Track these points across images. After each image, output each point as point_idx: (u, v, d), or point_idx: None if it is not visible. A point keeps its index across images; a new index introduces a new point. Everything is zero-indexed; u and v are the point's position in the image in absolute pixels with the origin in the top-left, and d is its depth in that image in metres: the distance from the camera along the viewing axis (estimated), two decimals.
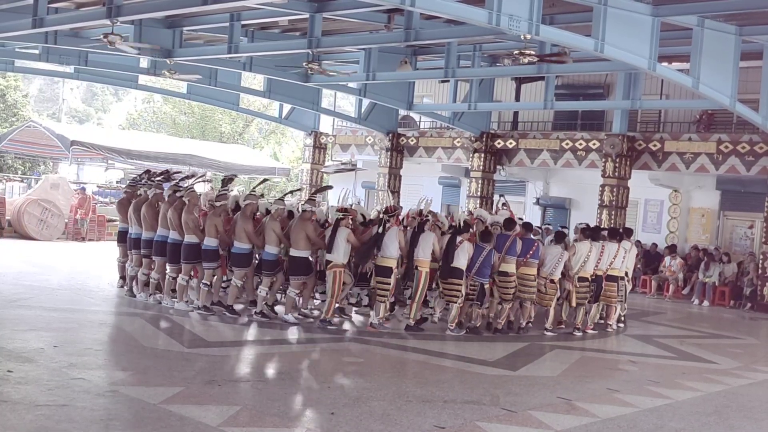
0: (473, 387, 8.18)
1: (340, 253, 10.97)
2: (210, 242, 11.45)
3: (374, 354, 9.87)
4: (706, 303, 18.76)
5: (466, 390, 8.00)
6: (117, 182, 33.59)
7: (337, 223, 11.09)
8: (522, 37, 10.56)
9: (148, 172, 13.83)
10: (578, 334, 12.36)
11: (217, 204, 11.90)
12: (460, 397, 7.60)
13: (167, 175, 13.54)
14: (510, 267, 11.72)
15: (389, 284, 11.18)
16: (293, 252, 11.21)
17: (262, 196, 13.19)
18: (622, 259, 12.84)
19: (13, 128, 30.07)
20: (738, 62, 13.71)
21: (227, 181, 12.91)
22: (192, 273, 11.88)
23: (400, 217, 12.24)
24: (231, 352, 9.37)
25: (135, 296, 12.32)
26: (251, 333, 10.61)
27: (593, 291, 12.56)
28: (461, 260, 11.24)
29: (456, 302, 11.32)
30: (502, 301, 11.93)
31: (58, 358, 7.86)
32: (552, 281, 12.08)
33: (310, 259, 11.56)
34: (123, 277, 13.18)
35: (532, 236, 12.26)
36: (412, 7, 10.29)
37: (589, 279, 12.45)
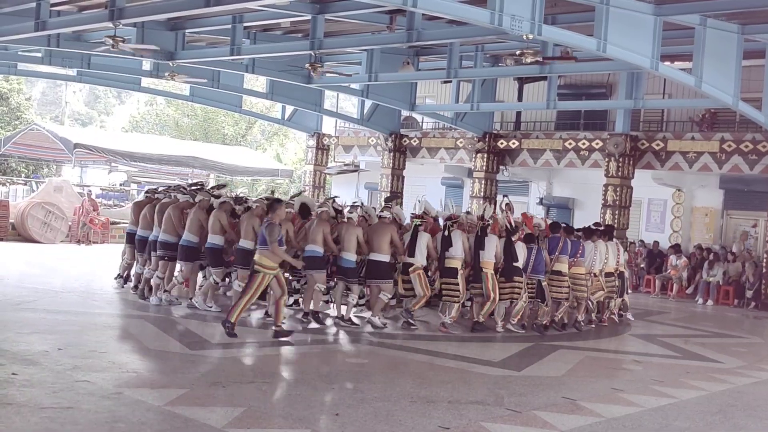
0: (477, 387, 8.18)
1: (423, 256, 11.52)
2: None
3: (378, 355, 9.87)
4: (710, 302, 18.73)
5: (470, 390, 7.99)
6: (120, 185, 33.67)
7: (417, 229, 11.60)
8: (524, 37, 10.56)
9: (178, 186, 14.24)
10: (628, 319, 13.39)
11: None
12: (465, 398, 7.60)
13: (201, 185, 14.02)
14: (563, 267, 12.34)
15: (458, 285, 11.56)
16: (375, 256, 11.33)
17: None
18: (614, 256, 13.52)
19: (16, 131, 30.11)
20: (740, 61, 13.71)
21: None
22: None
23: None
24: (235, 354, 9.38)
25: (147, 299, 12.22)
26: (254, 334, 10.60)
27: (618, 286, 13.54)
28: (519, 260, 11.88)
29: (518, 300, 11.81)
30: (556, 299, 12.37)
31: (62, 360, 7.86)
32: (595, 275, 12.90)
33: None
34: (123, 276, 13.25)
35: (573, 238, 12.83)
36: (414, 8, 10.28)
37: (615, 274, 13.45)
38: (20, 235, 21.50)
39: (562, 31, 11.65)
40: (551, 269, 12.28)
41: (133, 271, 13.40)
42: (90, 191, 24.55)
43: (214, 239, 11.61)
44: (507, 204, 13.52)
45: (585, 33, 11.59)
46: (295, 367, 8.98)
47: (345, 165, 26.70)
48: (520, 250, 11.90)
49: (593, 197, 20.51)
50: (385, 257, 11.40)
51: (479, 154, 22.06)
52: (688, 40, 13.39)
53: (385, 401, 7.20)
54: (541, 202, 23.37)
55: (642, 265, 20.42)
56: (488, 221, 12.11)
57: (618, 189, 19.22)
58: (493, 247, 11.70)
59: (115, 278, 14.00)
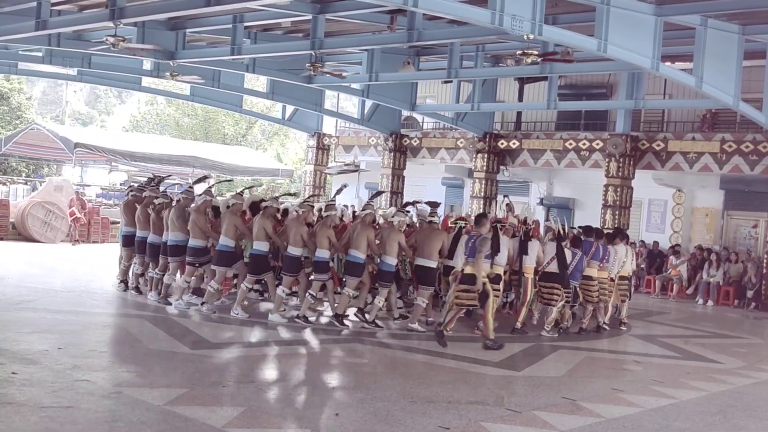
0: (477, 387, 8.17)
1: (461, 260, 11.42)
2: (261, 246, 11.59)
3: (378, 355, 9.87)
4: (710, 303, 18.74)
5: (470, 390, 7.99)
6: (120, 184, 33.66)
7: (460, 232, 11.45)
8: (525, 37, 10.56)
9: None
10: (624, 329, 13.23)
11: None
12: (465, 398, 7.59)
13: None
14: (593, 271, 12.38)
15: (500, 290, 11.47)
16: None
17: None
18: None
19: (17, 131, 30.13)
20: (741, 61, 13.70)
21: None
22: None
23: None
24: (235, 354, 9.38)
25: (170, 303, 12.10)
26: (255, 334, 10.61)
27: (628, 289, 13.59)
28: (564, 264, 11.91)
29: (556, 305, 11.83)
30: (585, 302, 12.47)
31: (62, 360, 7.86)
32: (612, 279, 12.91)
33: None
34: (125, 281, 13.20)
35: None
36: (414, 8, 10.28)
37: (628, 277, 13.49)
38: (20, 234, 21.51)
39: (563, 31, 11.65)
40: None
41: (131, 272, 13.34)
42: (77, 189, 24.40)
43: (260, 246, 11.49)
44: (507, 204, 13.51)
45: (586, 33, 11.58)
46: (294, 367, 8.98)
47: (345, 165, 26.69)
48: (568, 255, 11.92)
49: (594, 198, 20.51)
50: (434, 263, 11.44)
51: (480, 155, 22.06)
52: (688, 40, 13.39)
53: (385, 401, 7.20)
54: (541, 203, 23.36)
55: (642, 266, 20.41)
56: (531, 225, 12.20)
57: (618, 189, 19.21)
58: (535, 253, 11.75)
59: (118, 286, 13.34)
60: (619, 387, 8.67)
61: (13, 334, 8.99)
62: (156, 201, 12.65)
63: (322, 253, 11.27)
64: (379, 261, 11.68)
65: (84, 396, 6.56)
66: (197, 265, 12.05)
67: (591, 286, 12.37)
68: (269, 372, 8.63)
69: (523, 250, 11.70)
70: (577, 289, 12.19)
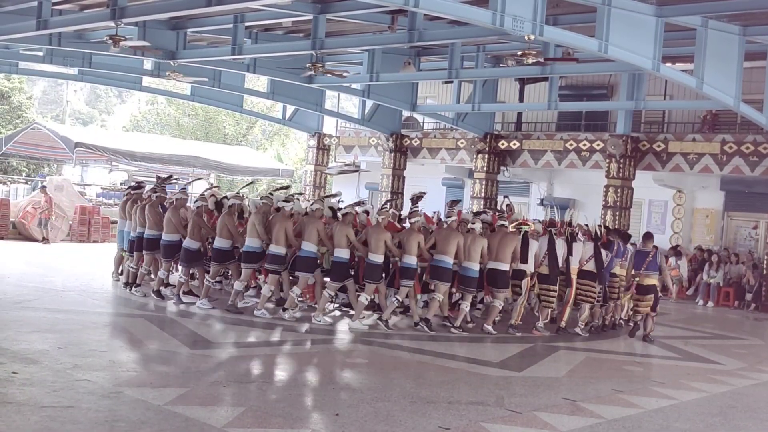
0: (478, 388, 8.17)
1: (533, 263, 11.92)
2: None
3: (379, 355, 9.87)
4: (710, 303, 18.74)
5: (470, 391, 7.99)
6: (121, 184, 33.66)
7: (526, 235, 11.86)
8: (526, 37, 10.55)
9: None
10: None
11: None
12: (465, 398, 7.59)
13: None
14: (616, 269, 12.84)
15: (555, 291, 12.03)
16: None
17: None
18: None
19: (18, 130, 30.11)
20: (742, 62, 13.69)
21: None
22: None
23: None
24: (236, 353, 9.38)
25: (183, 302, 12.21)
26: (255, 334, 10.61)
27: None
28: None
29: (590, 304, 12.35)
30: (609, 300, 12.92)
31: (62, 359, 7.86)
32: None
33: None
34: (132, 284, 13.13)
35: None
36: (415, 8, 10.26)
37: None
38: (21, 234, 21.50)
39: (564, 31, 11.65)
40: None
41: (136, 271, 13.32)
42: (44, 186, 24.24)
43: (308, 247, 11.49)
44: (508, 205, 13.53)
45: (586, 34, 11.57)
46: (295, 366, 8.98)
47: (346, 165, 26.68)
48: (604, 255, 12.42)
49: (594, 198, 20.49)
50: (506, 266, 11.68)
51: (480, 155, 22.05)
52: (689, 41, 13.38)
53: (386, 401, 7.20)
54: (541, 203, 23.37)
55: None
56: (576, 227, 12.57)
57: (619, 190, 19.20)
58: (579, 253, 12.22)
59: (130, 288, 13.15)
60: (620, 388, 8.67)
61: (13, 334, 8.99)
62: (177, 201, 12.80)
63: (377, 258, 11.31)
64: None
65: (84, 395, 6.57)
66: (276, 272, 11.80)
67: (614, 284, 12.86)
68: (270, 372, 8.63)
69: (569, 251, 12.12)
70: (606, 288, 12.68)
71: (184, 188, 14.37)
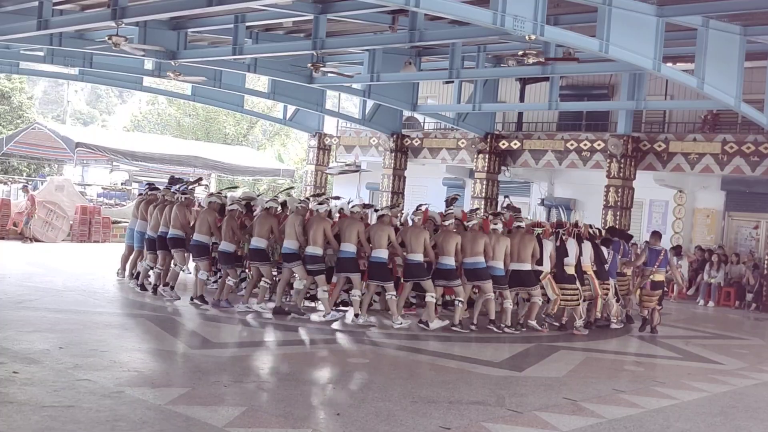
0: (479, 388, 8.18)
1: (549, 264, 12.13)
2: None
3: (379, 354, 9.87)
4: (711, 303, 18.74)
5: (471, 391, 7.99)
6: (122, 184, 33.69)
7: (539, 237, 12.10)
8: (526, 37, 10.54)
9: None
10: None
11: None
12: (466, 398, 7.59)
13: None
14: (623, 268, 13.51)
15: (577, 290, 12.25)
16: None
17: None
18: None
19: (18, 130, 30.15)
20: (743, 62, 13.69)
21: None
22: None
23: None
24: (237, 353, 9.38)
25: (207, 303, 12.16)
26: (256, 334, 10.61)
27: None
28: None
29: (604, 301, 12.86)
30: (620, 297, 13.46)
31: (63, 359, 7.87)
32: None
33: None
34: (154, 285, 13.02)
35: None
36: (416, 8, 10.26)
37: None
38: (21, 234, 21.48)
39: (565, 31, 11.64)
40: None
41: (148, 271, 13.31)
42: (26, 186, 24.09)
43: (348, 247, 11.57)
44: (508, 205, 13.55)
45: (587, 34, 11.57)
46: (296, 366, 8.97)
47: (346, 165, 26.68)
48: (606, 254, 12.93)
49: (595, 198, 20.48)
50: (529, 266, 11.88)
51: (481, 155, 22.04)
52: (690, 41, 13.38)
53: (386, 401, 7.21)
54: (542, 203, 23.36)
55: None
56: (582, 228, 12.95)
57: (620, 190, 19.19)
58: (589, 253, 12.58)
59: (149, 288, 13.09)
60: (621, 388, 8.67)
61: (14, 333, 8.99)
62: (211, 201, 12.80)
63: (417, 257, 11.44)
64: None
65: (85, 395, 6.57)
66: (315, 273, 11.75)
67: (623, 283, 13.48)
68: (270, 371, 8.63)
69: (581, 251, 12.41)
70: (615, 286, 13.13)
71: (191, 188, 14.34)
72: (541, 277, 12.06)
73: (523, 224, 12.29)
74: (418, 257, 11.40)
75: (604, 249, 12.83)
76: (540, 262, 12.01)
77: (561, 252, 12.18)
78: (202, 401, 6.69)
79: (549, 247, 12.16)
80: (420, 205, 12.46)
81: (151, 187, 14.63)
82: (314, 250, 11.47)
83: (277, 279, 12.12)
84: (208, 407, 6.50)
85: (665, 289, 13.79)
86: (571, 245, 12.28)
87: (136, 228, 13.93)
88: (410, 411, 6.91)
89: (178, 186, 13.76)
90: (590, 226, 13.22)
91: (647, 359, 11.19)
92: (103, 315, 11.21)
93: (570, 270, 12.23)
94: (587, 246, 12.54)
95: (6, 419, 5.78)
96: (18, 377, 6.96)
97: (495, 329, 11.75)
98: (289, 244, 11.67)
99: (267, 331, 10.80)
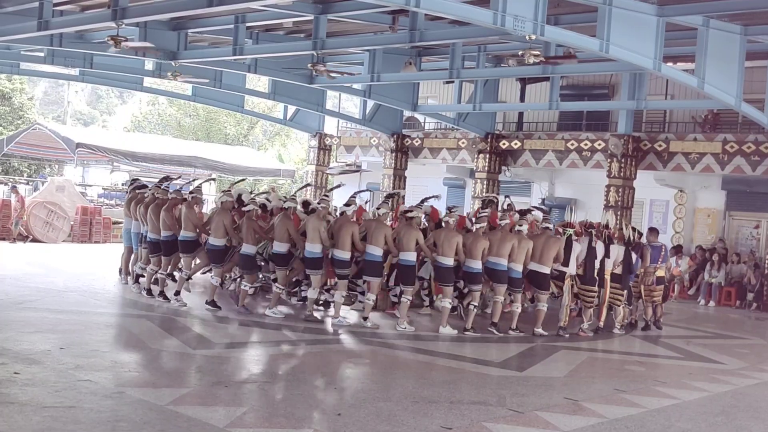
0: (480, 388, 8.18)
1: (574, 266, 12.05)
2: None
3: (380, 355, 9.87)
4: (712, 303, 18.74)
5: (472, 391, 7.99)
6: (122, 184, 33.67)
7: (570, 238, 12.00)
8: (527, 37, 10.54)
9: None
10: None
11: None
12: (467, 398, 7.60)
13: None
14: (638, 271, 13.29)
15: (596, 292, 12.24)
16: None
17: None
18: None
19: (19, 131, 30.13)
20: (743, 62, 13.69)
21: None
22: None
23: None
24: (238, 353, 9.38)
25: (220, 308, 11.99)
26: (257, 334, 10.61)
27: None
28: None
29: (619, 305, 12.76)
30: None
31: (64, 359, 7.86)
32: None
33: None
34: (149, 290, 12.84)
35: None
36: (416, 8, 10.26)
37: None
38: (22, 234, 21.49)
39: (565, 31, 11.64)
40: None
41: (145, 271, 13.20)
42: (15, 186, 23.95)
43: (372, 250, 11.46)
44: (509, 205, 13.53)
45: (588, 33, 11.57)
46: (297, 367, 8.98)
47: (347, 165, 26.69)
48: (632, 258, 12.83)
49: (595, 198, 20.49)
50: (548, 269, 11.77)
51: (481, 155, 22.05)
52: (690, 41, 13.37)
53: (387, 401, 7.21)
54: (543, 203, 23.34)
55: None
56: (612, 230, 13.13)
57: (620, 190, 19.19)
58: (614, 256, 12.48)
59: (152, 293, 12.70)
60: (622, 387, 8.67)
61: (15, 334, 8.99)
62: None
63: (446, 261, 11.39)
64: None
65: (86, 396, 6.57)
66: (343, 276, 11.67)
67: (635, 286, 13.36)
68: (271, 372, 8.63)
69: (606, 253, 12.31)
70: (631, 289, 13.16)
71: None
72: (565, 278, 12.03)
73: (551, 226, 12.20)
74: (449, 261, 11.31)
75: (634, 254, 12.69)
76: (566, 263, 11.88)
77: (591, 253, 12.05)
78: (204, 401, 6.69)
79: (578, 248, 12.03)
80: (425, 199, 12.58)
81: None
82: (342, 254, 11.28)
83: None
84: (210, 407, 6.50)
85: (666, 284, 13.86)
86: (600, 247, 12.17)
87: (131, 228, 13.52)
88: (411, 411, 6.91)
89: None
90: (634, 229, 13.02)
91: (648, 359, 11.19)
92: (104, 315, 11.21)
93: (594, 272, 12.15)
94: (615, 249, 12.42)
95: (7, 420, 5.78)
96: (19, 378, 6.96)
97: (495, 332, 11.61)
98: (312, 248, 11.38)
99: (267, 331, 10.79)
